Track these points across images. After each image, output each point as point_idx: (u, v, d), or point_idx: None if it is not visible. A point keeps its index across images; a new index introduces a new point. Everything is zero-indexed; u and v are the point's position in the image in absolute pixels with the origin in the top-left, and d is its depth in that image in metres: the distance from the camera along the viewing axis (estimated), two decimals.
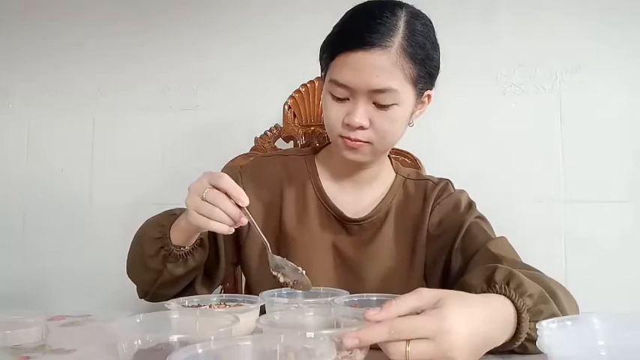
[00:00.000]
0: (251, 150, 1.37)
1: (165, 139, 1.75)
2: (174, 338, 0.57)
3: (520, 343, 0.65)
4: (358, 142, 0.93)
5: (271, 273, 0.86)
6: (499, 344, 0.64)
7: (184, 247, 0.91)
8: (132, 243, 0.99)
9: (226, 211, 0.81)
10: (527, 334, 0.64)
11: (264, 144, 1.36)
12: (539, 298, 0.67)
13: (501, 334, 0.63)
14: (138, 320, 0.65)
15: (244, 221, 0.83)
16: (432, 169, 1.25)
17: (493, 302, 0.65)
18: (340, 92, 0.91)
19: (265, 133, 1.38)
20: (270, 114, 1.45)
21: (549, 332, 0.52)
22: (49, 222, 1.80)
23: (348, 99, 0.92)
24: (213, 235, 1.00)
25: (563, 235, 1.50)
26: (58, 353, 0.70)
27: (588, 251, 1.48)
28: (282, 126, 1.38)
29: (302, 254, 1.00)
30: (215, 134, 1.70)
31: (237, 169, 1.10)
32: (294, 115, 1.36)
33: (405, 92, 0.91)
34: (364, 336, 0.57)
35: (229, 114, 1.70)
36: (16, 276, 1.78)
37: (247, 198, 0.82)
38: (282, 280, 0.85)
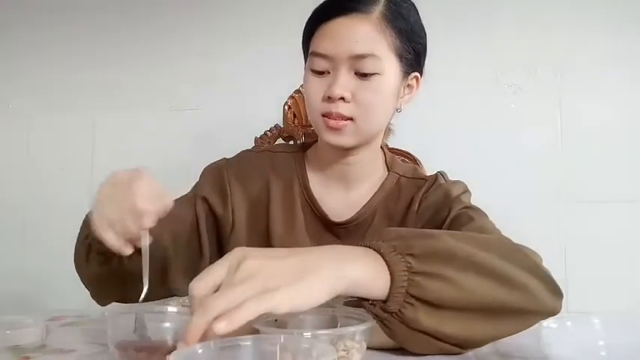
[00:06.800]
0: None
1: (165, 139, 1.75)
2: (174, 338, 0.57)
3: (405, 290, 0.58)
4: (340, 122, 0.88)
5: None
6: (359, 275, 0.58)
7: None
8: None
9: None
10: (410, 286, 0.58)
11: (264, 144, 1.36)
12: (412, 236, 0.62)
13: (352, 260, 0.59)
14: (135, 320, 0.65)
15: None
16: (432, 168, 1.24)
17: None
18: (320, 64, 0.88)
19: (265, 133, 1.37)
20: (270, 114, 1.45)
21: (549, 332, 0.52)
22: (49, 222, 1.80)
23: (329, 72, 0.88)
24: (197, 227, 0.97)
25: (563, 235, 1.50)
26: (58, 353, 0.70)
27: (588, 251, 1.48)
28: (282, 126, 1.37)
29: None
30: (215, 134, 1.70)
31: (222, 166, 1.03)
32: (294, 115, 1.36)
33: (389, 63, 0.87)
34: (189, 338, 0.50)
35: (229, 114, 1.70)
36: (16, 276, 1.78)
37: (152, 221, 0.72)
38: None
